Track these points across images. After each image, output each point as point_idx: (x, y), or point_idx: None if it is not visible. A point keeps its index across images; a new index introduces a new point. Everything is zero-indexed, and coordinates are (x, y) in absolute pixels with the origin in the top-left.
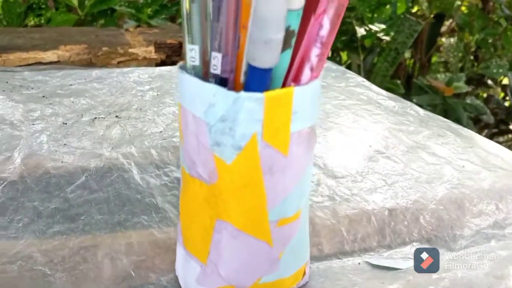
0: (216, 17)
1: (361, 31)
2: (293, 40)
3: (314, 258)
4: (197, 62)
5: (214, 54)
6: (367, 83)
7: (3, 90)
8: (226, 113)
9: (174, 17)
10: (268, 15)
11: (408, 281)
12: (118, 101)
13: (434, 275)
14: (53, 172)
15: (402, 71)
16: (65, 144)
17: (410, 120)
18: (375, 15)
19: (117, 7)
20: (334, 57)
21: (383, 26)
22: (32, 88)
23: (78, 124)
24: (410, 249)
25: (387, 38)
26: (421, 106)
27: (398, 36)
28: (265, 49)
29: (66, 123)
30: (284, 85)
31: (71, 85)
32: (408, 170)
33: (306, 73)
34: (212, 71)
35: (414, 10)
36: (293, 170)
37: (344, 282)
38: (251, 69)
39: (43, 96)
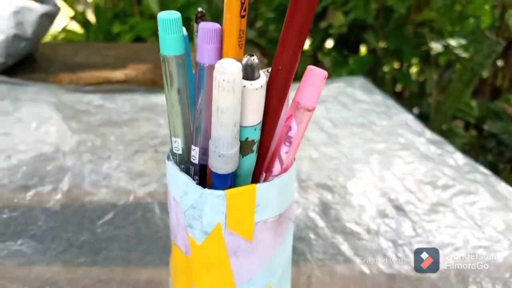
0: (195, 113)
1: (437, 47)
2: (255, 146)
3: None
4: (180, 151)
5: (193, 147)
6: (411, 121)
7: (65, 118)
8: (195, 203)
9: (252, 23)
10: (221, 136)
11: None
12: (161, 133)
13: None
14: (88, 206)
15: (487, 87)
16: (104, 178)
17: (445, 171)
18: (456, 29)
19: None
20: (404, 71)
21: (462, 41)
22: (92, 115)
23: (121, 157)
24: None
25: (465, 55)
26: (495, 135)
27: (475, 56)
28: (220, 161)
29: (110, 156)
30: (258, 175)
31: (126, 113)
32: (422, 232)
33: (277, 167)
34: (192, 160)
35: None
36: (258, 254)
37: None
38: (213, 172)
39: (99, 125)
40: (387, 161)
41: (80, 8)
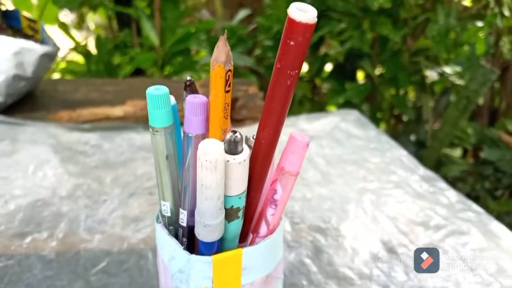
0: (182, 178)
1: (432, 75)
2: (240, 213)
3: None
4: (169, 214)
5: (181, 210)
6: (405, 157)
7: (62, 161)
8: (182, 267)
9: (251, 51)
10: (206, 209)
11: None
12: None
13: None
14: (83, 253)
15: (485, 111)
16: (99, 223)
17: (437, 210)
18: (451, 56)
19: (194, 46)
20: (402, 97)
21: (457, 69)
22: (89, 156)
23: (116, 202)
24: None
25: (460, 82)
26: (491, 162)
27: (470, 84)
28: (206, 230)
29: (106, 200)
30: (245, 236)
31: (122, 153)
32: (413, 276)
33: (263, 229)
34: (180, 223)
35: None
36: None
37: None
38: (199, 239)
39: (95, 167)
40: (379, 200)
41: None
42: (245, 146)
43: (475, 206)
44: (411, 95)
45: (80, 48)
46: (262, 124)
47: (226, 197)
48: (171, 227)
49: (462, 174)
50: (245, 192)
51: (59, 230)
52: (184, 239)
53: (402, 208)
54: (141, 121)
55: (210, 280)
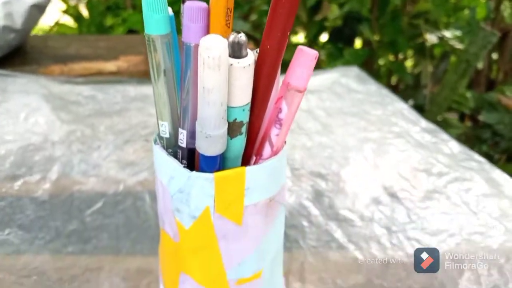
0: (181, 96)
1: (432, 39)
2: (244, 128)
3: None
4: (167, 135)
5: (180, 130)
6: (406, 110)
7: (55, 109)
8: (182, 186)
9: (247, 16)
10: (207, 116)
11: None
12: (153, 122)
13: None
14: (77, 195)
15: (482, 79)
16: (93, 168)
17: (439, 158)
18: (451, 20)
19: None
20: (400, 63)
21: (457, 33)
22: (82, 105)
23: (110, 147)
24: None
25: (460, 46)
26: (490, 125)
27: (470, 47)
28: (207, 142)
29: (100, 146)
30: (248, 159)
31: (117, 103)
32: (416, 218)
33: (267, 150)
34: (179, 144)
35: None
36: (249, 238)
37: None
38: (201, 154)
39: (88, 115)
40: (381, 149)
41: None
42: (249, 51)
43: (477, 156)
44: (409, 63)
45: (71, 11)
46: (268, 26)
47: (229, 108)
48: (170, 150)
49: (460, 138)
50: (249, 105)
51: (51, 174)
52: (184, 161)
53: (404, 156)
54: (135, 76)
55: (211, 198)
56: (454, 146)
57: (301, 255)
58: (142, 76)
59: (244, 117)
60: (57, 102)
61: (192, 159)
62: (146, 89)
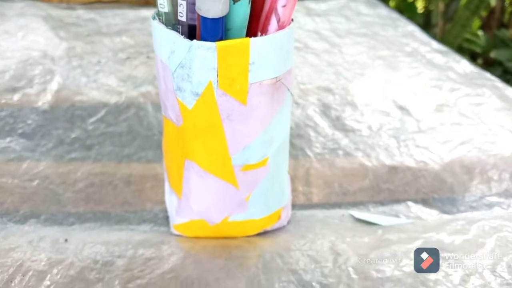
0: None
1: None
2: None
3: (301, 206)
4: (166, 9)
5: (179, 1)
6: (417, 33)
7: (54, 29)
8: (184, 60)
9: None
10: None
11: (380, 236)
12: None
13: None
14: (79, 105)
15: (494, 22)
16: (94, 81)
17: (451, 76)
18: None
19: None
20: (410, 2)
21: None
22: (81, 26)
23: (111, 63)
24: (402, 208)
25: None
26: (501, 63)
27: None
28: (207, 0)
29: (100, 61)
30: (253, 35)
31: (116, 24)
32: (426, 129)
33: (273, 24)
34: (179, 18)
35: None
36: (254, 119)
37: (317, 229)
38: (202, 19)
39: (88, 35)
40: (391, 66)
41: None
42: None
43: (489, 75)
44: (420, 3)
45: None
46: None
47: None
48: (169, 27)
49: None
50: None
51: (52, 85)
52: (184, 37)
53: (414, 73)
54: (135, 3)
55: (214, 72)
56: (466, 66)
57: (307, 162)
58: (142, 3)
59: None
60: (56, 23)
61: (192, 37)
62: (145, 12)
